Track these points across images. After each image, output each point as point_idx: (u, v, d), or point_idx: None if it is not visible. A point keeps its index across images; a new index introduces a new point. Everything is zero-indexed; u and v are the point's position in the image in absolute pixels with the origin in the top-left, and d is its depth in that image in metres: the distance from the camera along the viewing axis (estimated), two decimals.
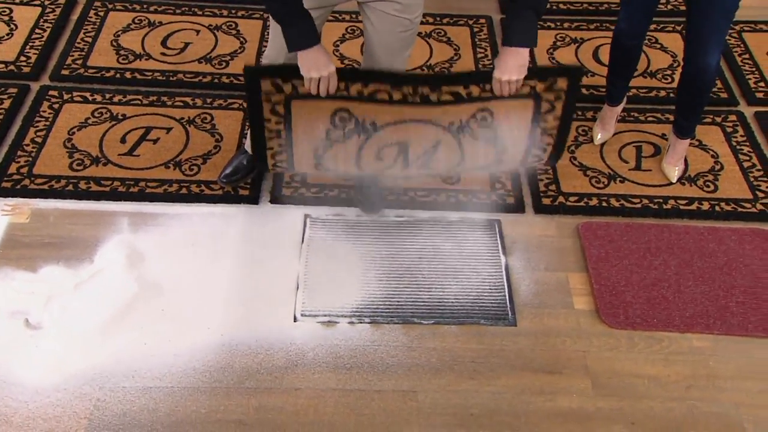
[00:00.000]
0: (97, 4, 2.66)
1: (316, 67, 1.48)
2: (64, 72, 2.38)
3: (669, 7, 2.79)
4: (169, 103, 2.30)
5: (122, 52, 2.47)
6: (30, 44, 2.48)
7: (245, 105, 1.60)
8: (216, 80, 2.39)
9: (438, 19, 2.72)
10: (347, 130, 1.63)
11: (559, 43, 2.62)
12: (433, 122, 1.61)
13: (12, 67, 2.39)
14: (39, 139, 2.15)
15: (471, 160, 1.74)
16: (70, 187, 2.01)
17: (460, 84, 1.56)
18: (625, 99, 2.23)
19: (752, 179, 2.14)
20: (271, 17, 1.55)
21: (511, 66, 1.50)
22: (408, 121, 1.61)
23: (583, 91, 2.41)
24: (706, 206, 2.06)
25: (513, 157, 1.74)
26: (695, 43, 1.82)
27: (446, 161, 1.74)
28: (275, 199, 2.03)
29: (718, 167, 2.18)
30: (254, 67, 1.55)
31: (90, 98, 2.29)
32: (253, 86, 1.55)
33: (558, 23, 2.71)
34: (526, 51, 1.50)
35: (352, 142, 1.66)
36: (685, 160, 2.17)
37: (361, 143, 1.66)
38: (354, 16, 2.67)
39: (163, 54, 2.48)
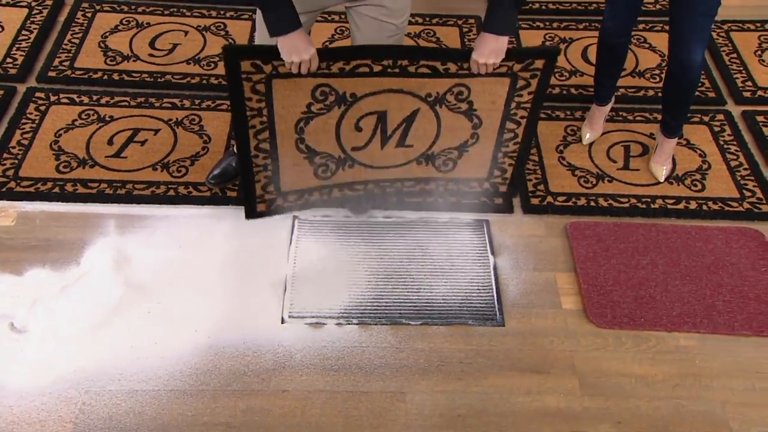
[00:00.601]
0: (85, 5, 2.65)
1: (297, 51, 1.49)
2: (51, 74, 2.37)
3: (657, 6, 2.80)
4: (157, 104, 2.29)
5: (110, 54, 2.46)
6: (16, 46, 2.46)
7: (225, 84, 1.60)
8: (204, 81, 2.38)
9: (427, 19, 2.72)
10: (328, 102, 1.65)
11: (548, 43, 2.62)
12: (411, 93, 1.66)
13: None
14: (25, 142, 2.13)
15: (447, 135, 1.77)
16: (57, 190, 2.00)
17: (438, 59, 1.61)
18: (613, 98, 2.23)
19: (739, 178, 2.15)
20: (254, 4, 1.56)
21: (489, 51, 1.54)
22: (387, 91, 1.64)
23: (572, 90, 2.42)
24: (693, 205, 2.06)
25: (488, 134, 1.78)
26: (678, 41, 1.83)
27: (423, 134, 1.76)
28: None
29: (705, 166, 2.19)
30: (234, 46, 1.56)
31: (77, 100, 2.28)
32: (233, 67, 1.56)
33: (547, 23, 2.72)
34: (505, 39, 1.53)
35: (333, 113, 1.68)
36: (673, 160, 2.17)
37: (342, 113, 1.68)
38: (343, 16, 2.67)
39: (151, 55, 2.46)
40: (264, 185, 1.83)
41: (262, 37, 1.67)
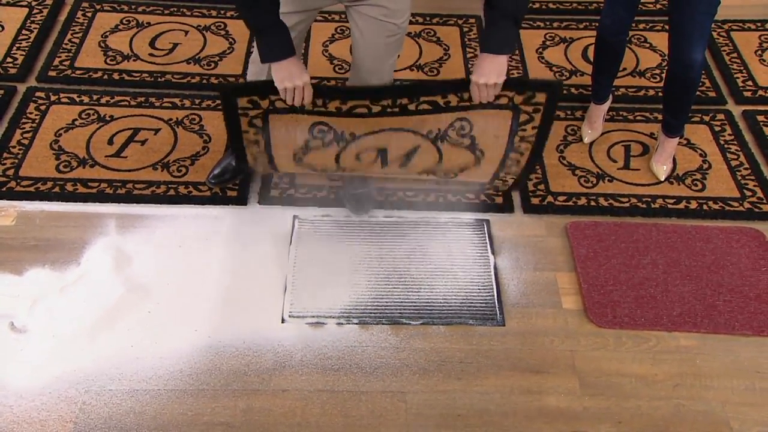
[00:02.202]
0: (85, 4, 2.65)
1: (290, 77, 1.47)
2: (51, 73, 2.36)
3: (657, 6, 2.80)
4: (158, 104, 2.29)
5: (110, 53, 2.46)
6: (17, 45, 2.46)
7: (223, 117, 1.60)
8: (205, 81, 2.38)
9: (428, 18, 2.71)
10: (326, 140, 1.64)
11: (548, 43, 2.62)
12: (412, 130, 1.63)
13: None
14: (25, 141, 2.13)
15: (449, 164, 1.75)
16: (57, 189, 2.00)
17: (438, 93, 1.57)
18: (611, 97, 2.23)
19: (740, 178, 2.15)
20: (249, 29, 1.54)
21: (489, 71, 1.49)
22: (387, 130, 1.62)
23: (572, 90, 2.42)
24: (694, 205, 2.06)
25: (491, 162, 1.74)
26: (679, 40, 1.83)
27: (424, 163, 1.75)
28: (263, 200, 2.02)
29: (706, 166, 2.18)
30: (230, 86, 1.55)
31: (77, 99, 2.28)
32: (230, 104, 1.56)
33: (547, 22, 2.71)
34: (504, 57, 1.49)
35: (331, 149, 1.67)
36: (674, 159, 2.17)
37: (340, 150, 1.67)
38: (343, 16, 2.67)
39: (152, 55, 2.46)
40: (263, 176, 1.81)
41: (254, 66, 1.67)
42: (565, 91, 2.42)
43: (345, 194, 2.00)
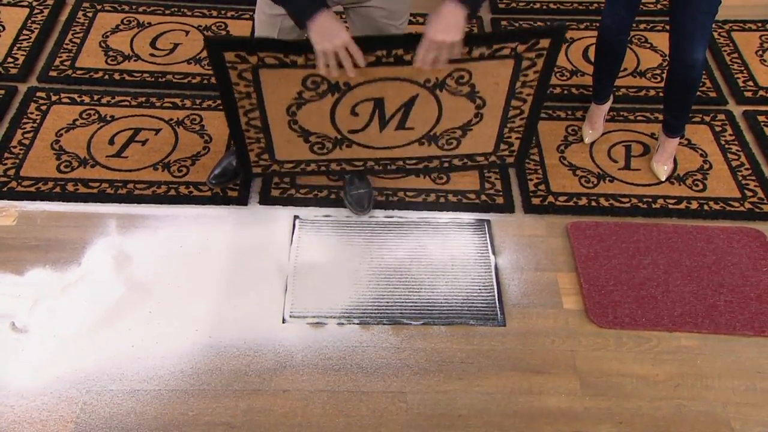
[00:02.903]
0: (86, 5, 2.65)
1: (330, 35, 1.33)
2: (52, 73, 2.37)
3: (658, 6, 2.80)
4: (158, 104, 2.29)
5: (111, 53, 2.46)
6: (17, 45, 2.46)
7: (212, 72, 1.55)
8: (205, 81, 2.38)
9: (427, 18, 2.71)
10: (320, 90, 1.59)
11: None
12: (409, 79, 1.57)
13: None
14: (26, 141, 2.13)
15: (450, 117, 1.68)
16: (58, 189, 2.00)
17: None
18: (611, 97, 2.23)
19: (740, 178, 2.15)
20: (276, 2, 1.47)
21: (446, 24, 1.33)
22: (383, 79, 1.57)
23: (573, 90, 2.42)
24: (694, 205, 2.06)
25: (493, 113, 1.69)
26: (679, 40, 1.83)
27: (424, 117, 1.69)
28: (264, 201, 2.02)
29: (706, 166, 2.18)
30: (216, 38, 1.48)
31: (78, 99, 2.28)
32: (217, 58, 1.52)
33: (548, 22, 2.71)
34: (462, 12, 1.33)
35: (326, 100, 1.61)
36: (674, 160, 2.17)
37: (336, 100, 1.61)
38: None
39: (152, 55, 2.46)
40: (258, 154, 1.77)
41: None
42: (565, 91, 2.42)
43: (346, 194, 2.00)
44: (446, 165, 1.85)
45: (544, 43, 1.53)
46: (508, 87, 1.63)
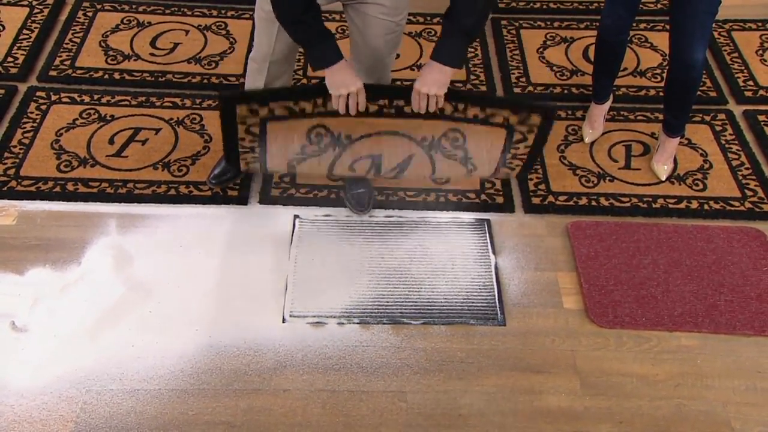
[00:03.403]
0: (86, 4, 2.65)
1: (344, 84, 1.49)
2: (52, 73, 2.37)
3: (658, 6, 2.80)
4: (158, 103, 2.29)
5: (111, 53, 2.46)
6: (17, 45, 2.46)
7: (220, 124, 1.59)
8: (205, 81, 2.38)
9: (428, 18, 2.71)
10: (323, 144, 1.64)
11: (549, 42, 2.62)
12: (407, 135, 1.63)
13: None
14: (26, 141, 2.13)
15: (442, 176, 1.79)
16: (58, 189, 2.00)
17: None
18: (611, 97, 2.23)
19: (741, 178, 2.15)
20: (298, 42, 1.55)
21: (431, 80, 1.49)
22: (382, 133, 1.62)
23: (573, 90, 2.42)
24: (695, 205, 2.06)
25: (483, 174, 1.78)
26: (680, 40, 1.83)
27: (417, 176, 1.76)
28: (264, 200, 2.02)
29: (707, 166, 2.18)
30: (230, 94, 1.54)
31: (78, 99, 2.28)
32: (229, 112, 1.55)
33: (548, 22, 2.71)
34: (450, 70, 1.48)
35: (327, 156, 1.67)
36: (675, 159, 2.17)
37: (336, 156, 1.67)
38: (343, 15, 2.66)
39: (152, 54, 2.46)
40: (264, 175, 1.82)
41: (259, 51, 1.68)
42: (565, 91, 2.42)
43: (346, 194, 2.00)
44: (441, 199, 1.96)
45: (535, 119, 1.57)
46: (499, 157, 1.68)
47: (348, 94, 1.50)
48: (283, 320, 1.74)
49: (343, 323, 1.74)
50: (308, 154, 1.66)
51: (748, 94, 2.44)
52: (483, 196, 2.06)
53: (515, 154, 1.66)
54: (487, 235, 1.96)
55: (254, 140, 1.62)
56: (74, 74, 2.36)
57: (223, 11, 2.67)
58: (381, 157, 1.67)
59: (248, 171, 1.81)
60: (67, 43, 2.48)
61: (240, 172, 1.91)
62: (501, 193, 2.07)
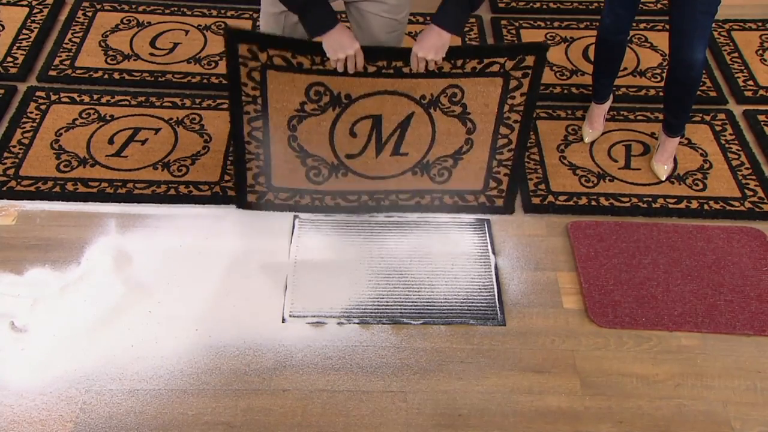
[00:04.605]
0: (85, 4, 2.65)
1: (342, 47, 1.50)
2: (52, 73, 2.36)
3: (658, 6, 2.80)
4: (158, 103, 2.28)
5: (110, 53, 2.45)
6: (17, 45, 2.46)
7: (226, 83, 1.62)
8: (205, 81, 2.38)
9: (428, 18, 2.70)
10: (322, 103, 1.66)
11: (549, 42, 2.62)
12: (406, 94, 1.66)
13: None
14: (26, 141, 2.13)
15: (442, 141, 1.76)
16: (57, 189, 2.00)
17: None
18: (611, 96, 2.23)
19: (741, 178, 2.15)
20: (292, 9, 1.56)
21: (430, 45, 1.52)
22: (382, 93, 1.65)
23: (573, 90, 2.42)
24: (695, 205, 2.06)
25: (482, 140, 1.78)
26: (679, 40, 1.83)
27: (418, 140, 1.75)
28: None
29: (707, 166, 2.18)
30: (234, 29, 1.58)
31: (78, 99, 2.28)
32: (232, 50, 1.59)
33: (548, 22, 2.71)
34: (448, 35, 1.51)
35: (327, 115, 1.68)
36: (675, 159, 2.17)
37: (336, 116, 1.68)
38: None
39: (152, 54, 2.46)
40: (255, 174, 1.82)
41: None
42: (565, 91, 2.42)
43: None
44: (437, 203, 1.93)
45: (530, 60, 1.62)
46: (497, 110, 1.71)
47: (346, 57, 1.51)
48: (283, 320, 1.74)
49: (343, 323, 1.74)
50: (308, 113, 1.67)
51: (748, 94, 2.44)
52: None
53: (512, 105, 1.69)
54: (487, 235, 1.96)
55: (256, 87, 1.64)
56: (74, 74, 2.36)
57: (223, 11, 2.67)
58: (381, 117, 1.69)
59: (249, 153, 1.78)
60: (66, 43, 2.48)
61: (241, 203, 1.91)
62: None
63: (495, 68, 1.62)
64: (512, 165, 1.84)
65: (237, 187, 1.87)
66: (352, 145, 1.75)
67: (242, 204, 1.91)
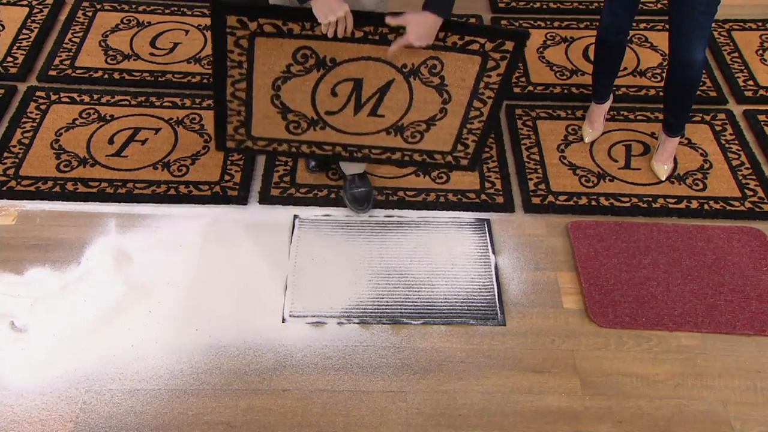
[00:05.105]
0: (86, 4, 2.65)
1: (331, 10, 1.53)
2: (52, 72, 2.36)
3: (658, 6, 2.80)
4: (158, 103, 2.28)
5: (110, 53, 2.45)
6: (17, 45, 2.46)
7: (210, 34, 1.62)
8: (205, 80, 2.38)
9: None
10: (308, 65, 1.69)
11: (549, 42, 2.62)
12: (389, 62, 1.70)
13: None
14: (26, 141, 2.13)
15: (418, 108, 1.81)
16: (58, 189, 2.00)
17: None
18: (611, 97, 2.23)
19: (741, 177, 2.15)
20: None
21: (423, 33, 1.55)
22: (366, 58, 1.68)
23: (573, 90, 2.42)
24: (695, 205, 2.06)
25: (456, 110, 1.82)
26: (679, 40, 1.83)
27: (395, 104, 1.80)
28: (264, 200, 2.02)
29: (707, 166, 2.18)
30: (222, 1, 1.59)
31: (78, 99, 2.28)
32: (219, 21, 1.60)
33: (548, 22, 2.71)
34: (438, 21, 1.55)
35: (311, 76, 1.71)
36: (675, 159, 2.17)
37: (320, 77, 1.72)
38: None
39: (152, 54, 2.46)
40: (236, 127, 1.83)
41: None
42: (565, 91, 2.42)
43: (345, 193, 2.00)
44: (407, 158, 1.96)
45: (509, 45, 1.66)
46: (472, 85, 1.75)
47: (336, 20, 1.54)
48: (283, 320, 1.74)
49: (343, 323, 1.74)
50: (293, 74, 1.70)
51: (748, 94, 2.44)
52: (483, 196, 2.06)
53: (487, 82, 1.74)
54: (487, 235, 1.96)
55: (243, 53, 1.66)
56: (74, 74, 2.36)
57: None
58: (362, 81, 1.73)
59: (231, 110, 1.78)
60: (66, 43, 2.48)
61: (222, 146, 1.89)
62: (501, 192, 2.07)
63: (475, 47, 1.66)
64: (480, 133, 1.90)
65: (217, 134, 1.85)
66: (332, 103, 1.79)
67: (221, 147, 1.88)
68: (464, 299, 1.80)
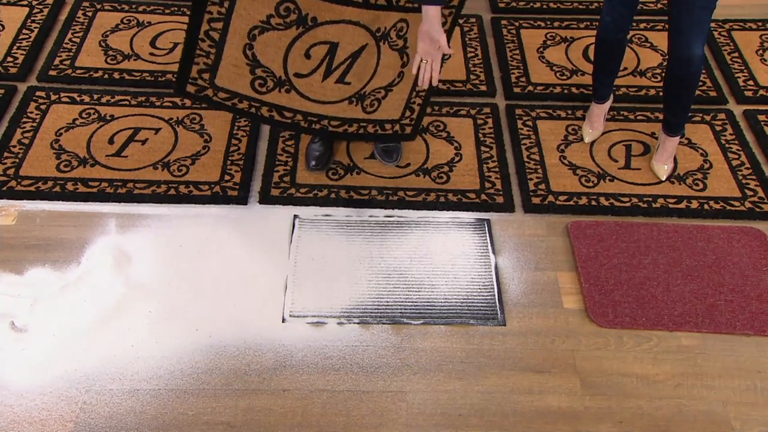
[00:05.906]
0: (86, 4, 2.65)
1: None
2: (52, 72, 2.36)
3: (658, 6, 2.80)
4: (158, 103, 2.28)
5: (110, 53, 2.45)
6: (17, 44, 2.46)
7: None
8: None
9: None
10: (289, 20, 1.68)
11: (549, 42, 2.62)
12: (366, 27, 1.71)
13: None
14: (26, 141, 2.13)
15: (382, 73, 1.84)
16: (57, 189, 2.00)
17: None
18: (612, 96, 2.23)
19: (741, 177, 2.15)
20: None
21: (422, 39, 1.60)
22: (347, 22, 1.69)
23: (573, 90, 2.42)
24: (695, 205, 2.06)
25: (409, 72, 1.86)
26: (677, 36, 1.83)
27: (363, 71, 1.82)
28: (264, 200, 2.02)
29: (707, 166, 2.18)
30: None
31: (78, 99, 2.28)
32: None
33: (548, 22, 2.71)
34: (432, 9, 1.56)
35: (289, 32, 1.70)
36: (675, 159, 2.17)
37: (297, 35, 1.71)
38: None
39: (152, 54, 2.46)
40: (200, 70, 1.79)
41: None
42: (565, 91, 2.42)
43: (376, 147, 2.12)
44: (361, 131, 2.01)
45: (455, 0, 1.72)
46: None
47: None
48: (283, 320, 1.74)
49: (343, 323, 1.74)
50: (272, 26, 1.69)
51: (748, 93, 2.44)
52: (483, 196, 2.06)
53: None
54: (487, 235, 1.96)
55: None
56: (74, 74, 2.36)
57: None
58: (338, 45, 1.74)
59: (200, 49, 1.74)
60: (66, 43, 2.48)
61: (179, 89, 1.84)
62: (501, 192, 2.07)
63: None
64: (425, 96, 1.94)
65: (178, 75, 1.80)
66: (304, 65, 1.79)
67: (179, 92, 1.84)
68: (464, 299, 1.80)
